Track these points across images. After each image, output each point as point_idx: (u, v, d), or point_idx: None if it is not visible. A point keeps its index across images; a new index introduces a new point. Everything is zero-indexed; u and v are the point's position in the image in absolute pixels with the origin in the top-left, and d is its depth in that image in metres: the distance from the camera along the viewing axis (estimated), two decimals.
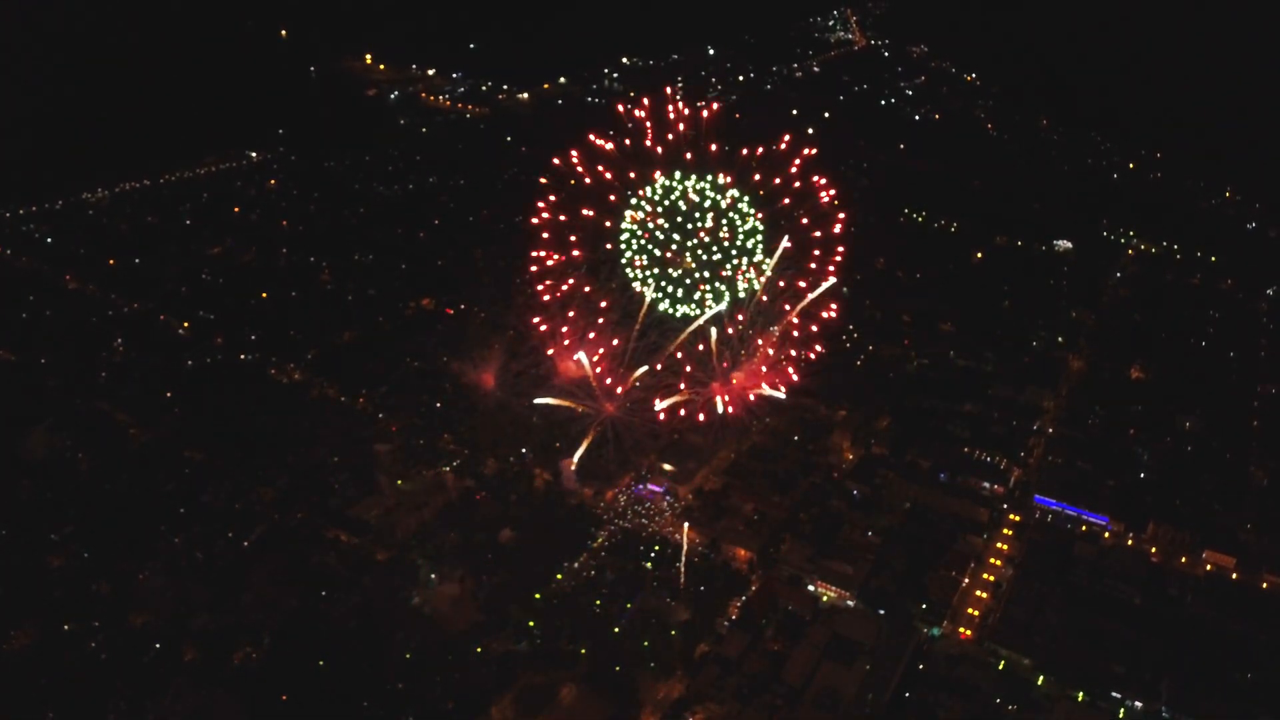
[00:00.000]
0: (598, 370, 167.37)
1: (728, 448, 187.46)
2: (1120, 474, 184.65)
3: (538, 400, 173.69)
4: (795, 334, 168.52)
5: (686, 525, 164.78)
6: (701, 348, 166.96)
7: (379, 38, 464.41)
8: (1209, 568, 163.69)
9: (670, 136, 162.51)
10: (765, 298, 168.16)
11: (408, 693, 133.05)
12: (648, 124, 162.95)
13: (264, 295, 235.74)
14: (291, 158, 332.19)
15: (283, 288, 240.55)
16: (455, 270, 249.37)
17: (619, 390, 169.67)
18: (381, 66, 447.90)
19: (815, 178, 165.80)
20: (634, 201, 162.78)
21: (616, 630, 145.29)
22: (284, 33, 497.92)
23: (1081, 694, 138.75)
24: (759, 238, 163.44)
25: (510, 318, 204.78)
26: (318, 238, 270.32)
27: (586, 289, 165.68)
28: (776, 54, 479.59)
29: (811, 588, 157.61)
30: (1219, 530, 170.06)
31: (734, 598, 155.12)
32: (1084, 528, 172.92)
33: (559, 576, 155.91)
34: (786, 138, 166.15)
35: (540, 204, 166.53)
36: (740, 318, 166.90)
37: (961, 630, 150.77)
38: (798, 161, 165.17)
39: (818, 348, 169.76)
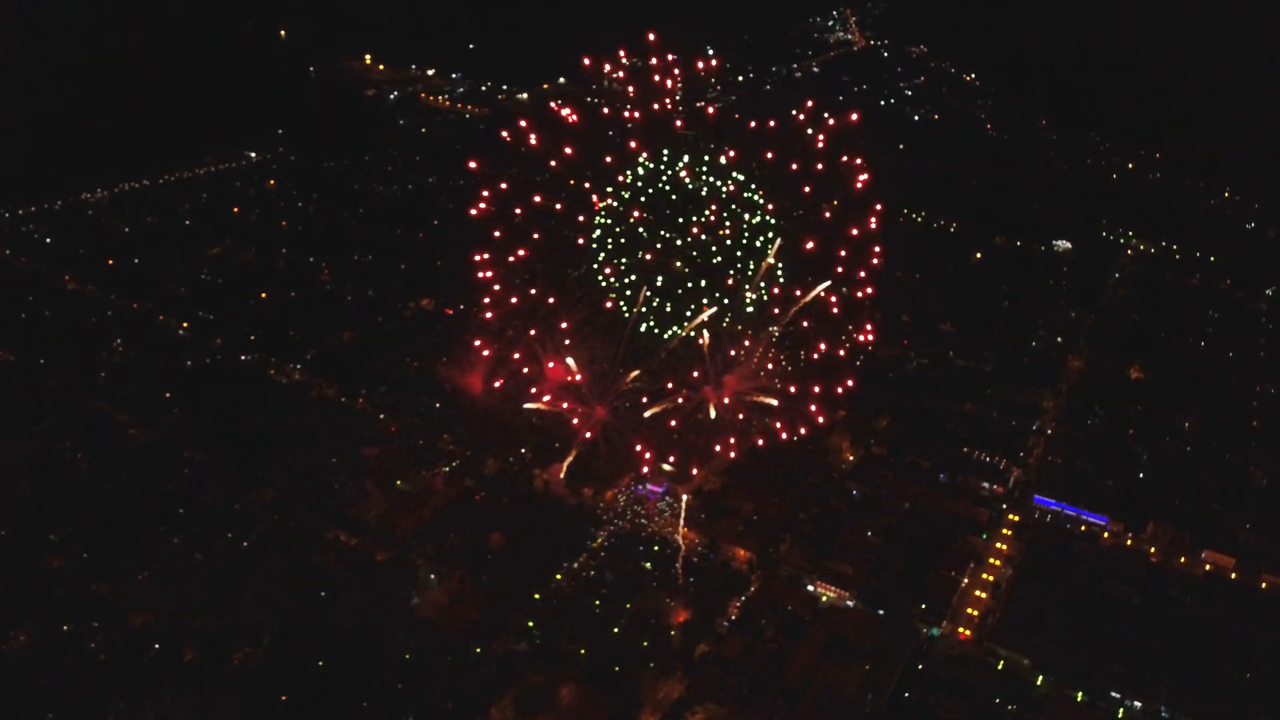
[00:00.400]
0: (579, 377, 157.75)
1: (728, 448, 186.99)
2: (1119, 474, 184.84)
3: (527, 406, 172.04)
4: (816, 357, 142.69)
5: (685, 501, 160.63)
6: (704, 339, 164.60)
7: (378, 38, 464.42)
8: (1208, 568, 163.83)
9: (655, 106, 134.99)
10: (775, 309, 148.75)
11: (407, 693, 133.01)
12: (628, 86, 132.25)
13: (263, 295, 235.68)
14: (291, 158, 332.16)
15: (282, 288, 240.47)
16: (455, 271, 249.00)
17: (610, 394, 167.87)
18: (381, 67, 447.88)
19: (845, 157, 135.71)
20: (609, 189, 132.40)
21: (616, 630, 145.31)
22: (283, 33, 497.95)
23: (1081, 694, 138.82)
24: (770, 235, 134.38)
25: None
26: (317, 238, 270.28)
27: (549, 301, 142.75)
28: (776, 54, 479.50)
29: (811, 588, 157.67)
30: (1218, 530, 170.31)
31: (734, 598, 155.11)
32: (1083, 528, 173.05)
33: (558, 577, 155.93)
34: (809, 103, 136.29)
35: (484, 191, 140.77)
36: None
37: (961, 630, 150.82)
38: (822, 137, 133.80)
39: (849, 382, 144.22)
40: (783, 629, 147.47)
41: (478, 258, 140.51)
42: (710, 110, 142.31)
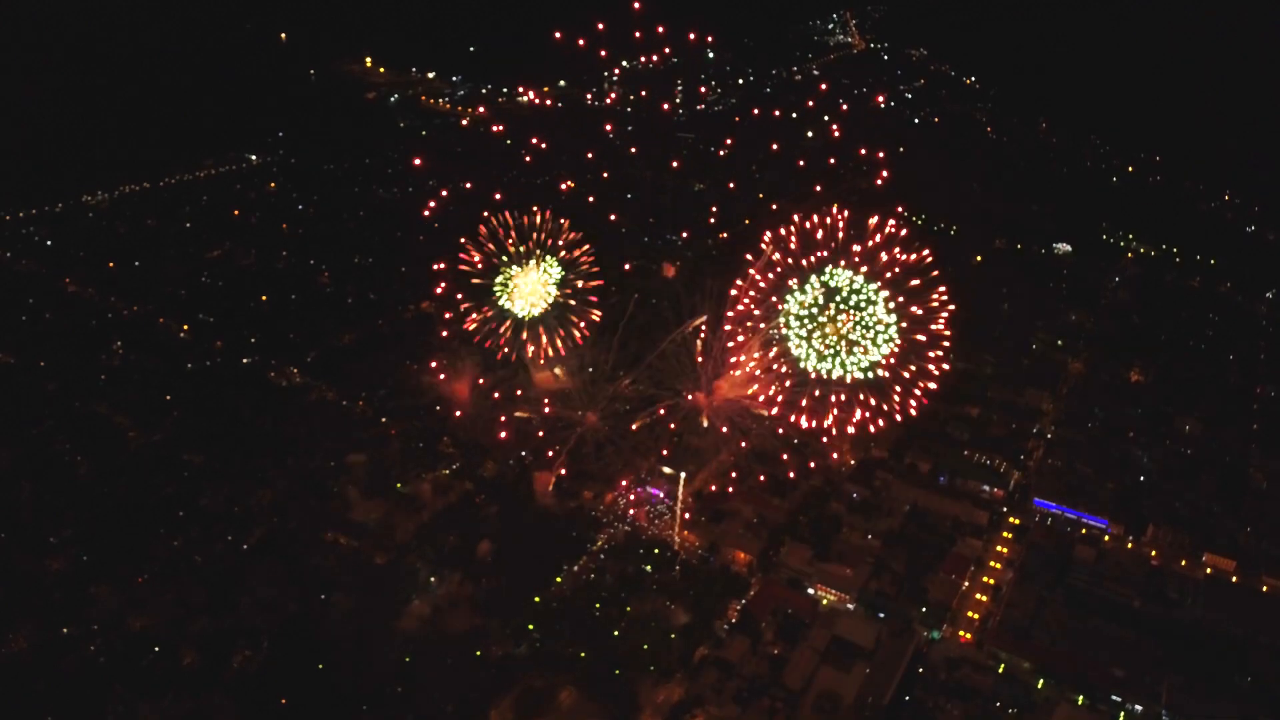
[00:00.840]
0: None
1: (727, 450, 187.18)
2: (1120, 477, 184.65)
3: (517, 414, 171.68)
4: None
5: (683, 493, 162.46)
6: (701, 338, 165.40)
7: (379, 41, 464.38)
8: (1209, 570, 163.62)
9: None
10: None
11: (406, 696, 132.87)
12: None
13: (263, 298, 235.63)
14: (291, 161, 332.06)
15: (282, 291, 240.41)
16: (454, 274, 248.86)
17: (601, 400, 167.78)
18: (381, 70, 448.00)
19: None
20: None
21: (616, 633, 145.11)
22: (283, 36, 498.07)
23: (1081, 697, 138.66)
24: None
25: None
26: (317, 241, 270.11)
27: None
28: (776, 57, 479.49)
29: (811, 590, 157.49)
30: (1219, 533, 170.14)
31: (733, 600, 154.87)
32: (1083, 530, 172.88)
33: (558, 580, 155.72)
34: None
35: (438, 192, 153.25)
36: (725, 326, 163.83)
37: (961, 633, 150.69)
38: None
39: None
40: (783, 632, 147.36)
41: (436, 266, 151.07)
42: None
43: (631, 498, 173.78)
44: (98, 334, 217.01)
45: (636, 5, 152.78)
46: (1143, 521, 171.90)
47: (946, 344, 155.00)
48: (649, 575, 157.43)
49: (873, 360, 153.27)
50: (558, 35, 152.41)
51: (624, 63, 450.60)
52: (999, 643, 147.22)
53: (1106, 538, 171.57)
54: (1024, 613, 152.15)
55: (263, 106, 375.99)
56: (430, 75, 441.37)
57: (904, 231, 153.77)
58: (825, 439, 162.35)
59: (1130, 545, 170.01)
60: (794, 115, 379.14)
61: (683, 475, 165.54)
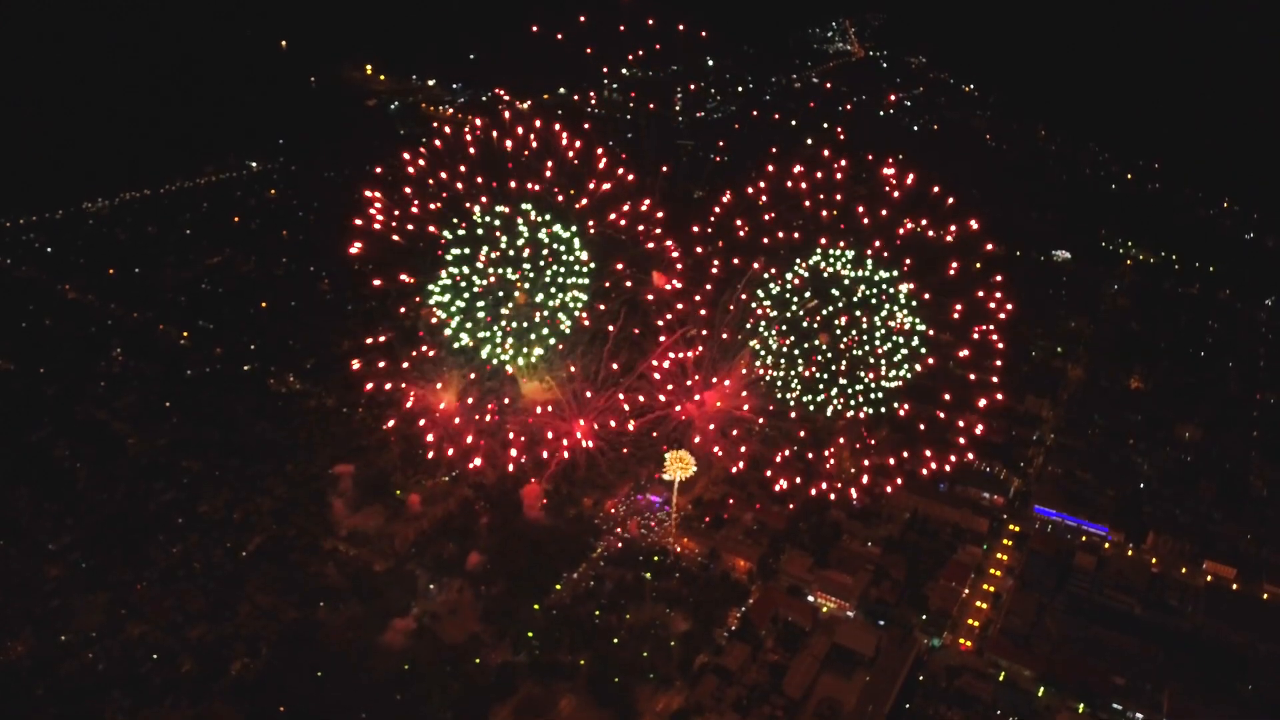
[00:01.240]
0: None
1: (727, 457, 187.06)
2: (1120, 484, 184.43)
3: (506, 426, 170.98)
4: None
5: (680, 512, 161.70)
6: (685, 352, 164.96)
7: (379, 48, 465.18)
8: (1209, 578, 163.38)
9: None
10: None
11: (406, 704, 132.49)
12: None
13: (263, 305, 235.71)
14: (291, 168, 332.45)
15: (282, 297, 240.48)
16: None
17: (592, 410, 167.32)
18: (382, 77, 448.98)
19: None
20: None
21: (615, 641, 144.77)
22: (284, 43, 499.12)
23: (1082, 705, 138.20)
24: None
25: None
26: (317, 247, 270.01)
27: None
28: (776, 65, 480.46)
29: (811, 598, 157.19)
30: (1219, 540, 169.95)
31: (733, 608, 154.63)
32: (1084, 538, 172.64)
33: (558, 587, 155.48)
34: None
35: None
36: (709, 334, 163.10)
37: (962, 641, 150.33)
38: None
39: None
40: (783, 639, 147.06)
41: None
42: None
43: (624, 508, 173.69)
44: (97, 340, 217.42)
45: (650, 22, 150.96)
46: (1143, 529, 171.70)
47: (1000, 362, 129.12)
48: (649, 582, 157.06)
49: (890, 388, 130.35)
50: (560, 36, 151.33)
51: (624, 70, 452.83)
52: (999, 650, 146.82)
53: (1107, 545, 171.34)
54: (1025, 620, 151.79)
55: (263, 113, 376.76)
56: (430, 83, 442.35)
57: (936, 190, 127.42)
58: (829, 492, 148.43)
59: (1131, 553, 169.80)
60: (793, 122, 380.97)
61: (676, 482, 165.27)
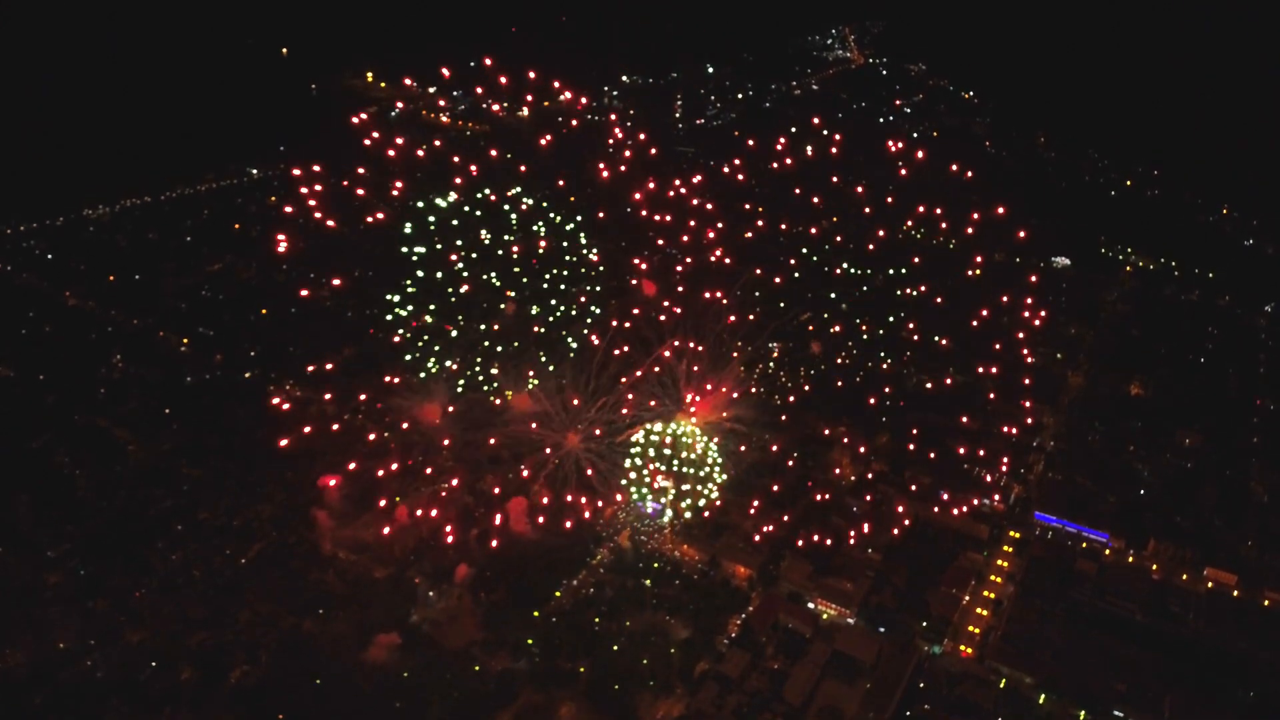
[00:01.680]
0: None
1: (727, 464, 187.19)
2: (1120, 490, 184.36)
3: (493, 440, 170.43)
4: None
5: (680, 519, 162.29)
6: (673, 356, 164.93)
7: (380, 55, 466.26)
8: (1210, 585, 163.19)
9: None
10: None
11: (405, 711, 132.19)
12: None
13: (264, 311, 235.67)
14: (293, 174, 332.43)
15: (283, 304, 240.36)
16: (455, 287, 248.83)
17: (580, 421, 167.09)
18: (382, 84, 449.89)
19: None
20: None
21: (616, 648, 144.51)
22: (285, 50, 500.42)
23: (1084, 712, 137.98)
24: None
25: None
26: (318, 254, 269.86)
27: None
28: (775, 72, 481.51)
29: (812, 605, 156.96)
30: (1220, 547, 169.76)
31: (734, 615, 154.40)
32: (1084, 545, 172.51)
33: (558, 594, 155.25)
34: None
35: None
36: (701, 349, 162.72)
37: (963, 648, 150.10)
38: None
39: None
40: (783, 647, 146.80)
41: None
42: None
43: (623, 515, 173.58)
44: (98, 347, 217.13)
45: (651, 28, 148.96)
46: (1144, 535, 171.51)
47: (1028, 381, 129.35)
48: (649, 589, 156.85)
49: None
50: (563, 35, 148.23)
51: (624, 78, 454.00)
52: (1001, 657, 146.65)
53: (1108, 551, 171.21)
54: (1026, 627, 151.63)
55: (264, 120, 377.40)
56: (431, 90, 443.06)
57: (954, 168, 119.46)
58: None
59: (1131, 559, 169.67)
60: (793, 129, 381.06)
61: (671, 489, 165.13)
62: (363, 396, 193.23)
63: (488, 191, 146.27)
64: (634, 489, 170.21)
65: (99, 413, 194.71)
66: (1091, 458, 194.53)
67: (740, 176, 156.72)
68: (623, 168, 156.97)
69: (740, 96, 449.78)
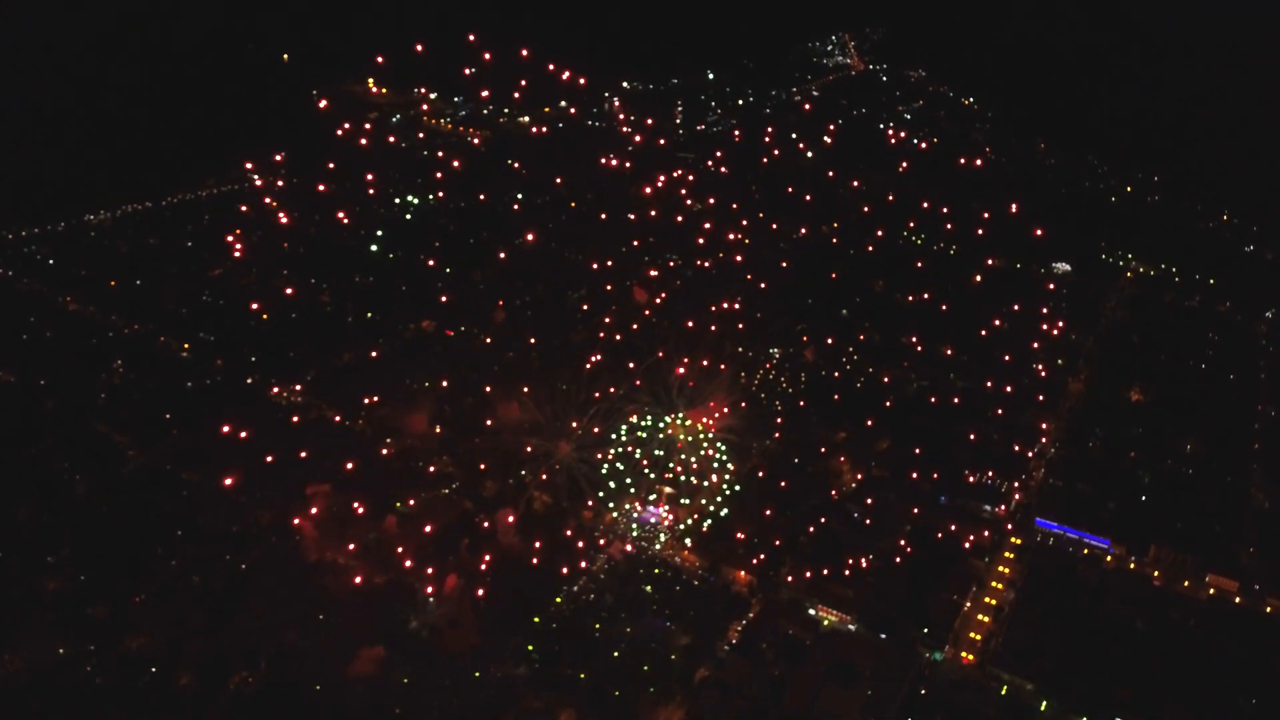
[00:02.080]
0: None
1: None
2: (1121, 496, 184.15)
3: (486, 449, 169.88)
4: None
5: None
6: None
7: (380, 61, 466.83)
8: (1212, 591, 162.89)
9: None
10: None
11: (405, 717, 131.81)
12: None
13: (264, 317, 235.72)
14: (293, 180, 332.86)
15: (283, 309, 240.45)
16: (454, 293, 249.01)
17: (571, 428, 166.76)
18: (383, 91, 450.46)
19: None
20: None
21: (616, 654, 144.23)
22: (285, 57, 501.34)
23: (1085, 719, 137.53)
24: None
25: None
26: (318, 260, 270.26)
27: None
28: (775, 78, 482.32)
29: (812, 611, 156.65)
30: (1221, 553, 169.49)
31: (734, 621, 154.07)
32: (1085, 551, 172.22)
33: (558, 600, 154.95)
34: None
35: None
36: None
37: (963, 654, 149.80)
38: None
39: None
40: (783, 653, 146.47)
41: None
42: None
43: (623, 521, 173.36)
44: (98, 352, 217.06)
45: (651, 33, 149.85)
46: (1145, 541, 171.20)
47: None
48: (649, 595, 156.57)
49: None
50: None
51: (624, 84, 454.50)
52: (1002, 664, 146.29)
53: (1109, 558, 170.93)
54: (1027, 633, 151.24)
55: (265, 127, 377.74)
56: (432, 96, 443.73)
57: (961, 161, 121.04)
58: None
59: (1133, 565, 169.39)
60: (793, 135, 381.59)
61: (669, 495, 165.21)
62: (365, 401, 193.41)
63: (483, 196, 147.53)
64: (627, 502, 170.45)
65: (99, 418, 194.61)
66: (1092, 464, 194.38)
67: (739, 181, 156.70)
68: (624, 168, 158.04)
69: (740, 102, 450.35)
